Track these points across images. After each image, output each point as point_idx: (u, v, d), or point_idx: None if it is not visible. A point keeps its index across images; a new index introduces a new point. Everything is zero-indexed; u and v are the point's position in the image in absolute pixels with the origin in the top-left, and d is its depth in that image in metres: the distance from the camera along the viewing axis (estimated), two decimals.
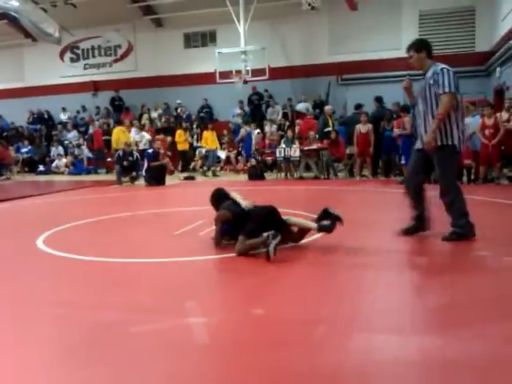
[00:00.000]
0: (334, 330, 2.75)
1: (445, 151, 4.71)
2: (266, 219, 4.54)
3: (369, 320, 2.94)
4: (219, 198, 4.95)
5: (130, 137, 14.87)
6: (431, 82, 4.62)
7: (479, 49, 16.06)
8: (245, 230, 4.43)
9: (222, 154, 15.57)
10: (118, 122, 15.89)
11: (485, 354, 2.40)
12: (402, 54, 17.38)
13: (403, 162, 10.49)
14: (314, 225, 4.63)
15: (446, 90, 4.52)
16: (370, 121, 12.04)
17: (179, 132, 15.81)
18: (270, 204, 4.75)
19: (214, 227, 4.86)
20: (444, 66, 4.69)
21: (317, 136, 12.89)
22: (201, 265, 4.44)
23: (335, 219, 4.62)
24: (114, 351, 2.54)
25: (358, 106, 13.06)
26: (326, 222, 4.58)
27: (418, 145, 4.90)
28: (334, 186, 10.42)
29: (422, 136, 4.75)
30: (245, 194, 5.46)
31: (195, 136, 16.75)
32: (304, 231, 4.77)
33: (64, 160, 17.33)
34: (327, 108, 13.70)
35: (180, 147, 16.01)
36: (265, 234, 4.28)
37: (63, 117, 19.92)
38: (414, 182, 5.06)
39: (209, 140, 14.77)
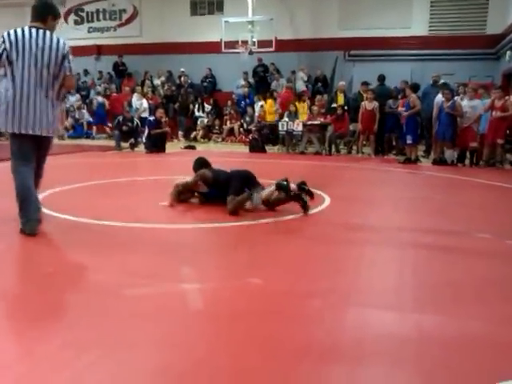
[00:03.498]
0: (331, 304, 2.72)
1: None
2: (246, 180, 4.99)
3: (367, 295, 2.91)
4: (201, 165, 5.44)
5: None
6: None
7: (490, 31, 15.75)
8: (230, 191, 4.82)
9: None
10: None
11: (482, 334, 2.37)
12: (412, 32, 17.11)
13: (409, 141, 10.36)
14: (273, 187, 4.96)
15: None
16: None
17: (270, 102, 14.61)
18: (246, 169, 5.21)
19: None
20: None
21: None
22: (199, 232, 4.41)
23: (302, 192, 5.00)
24: (103, 314, 2.50)
25: (383, 79, 12.85)
26: (284, 183, 4.92)
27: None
28: (335, 163, 10.34)
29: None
30: (246, 165, 5.42)
31: (197, 105, 16.53)
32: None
33: (65, 123, 17.17)
34: (340, 84, 13.51)
35: (269, 118, 14.33)
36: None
37: None
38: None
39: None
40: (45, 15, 4.06)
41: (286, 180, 4.97)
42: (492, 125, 9.80)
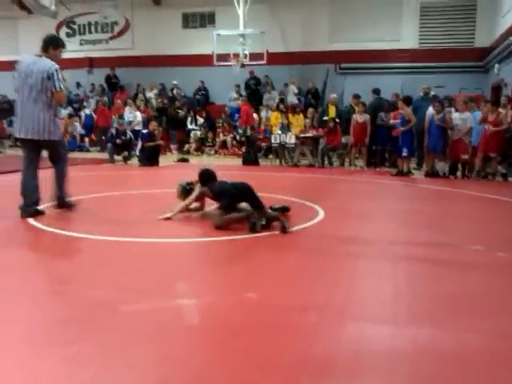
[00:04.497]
0: (327, 318, 2.73)
1: None
2: (236, 195, 4.98)
3: (362, 309, 2.93)
4: (205, 177, 5.45)
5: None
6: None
7: (478, 44, 16.02)
8: (220, 204, 5.03)
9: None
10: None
11: (478, 348, 2.40)
12: (402, 45, 17.30)
13: (405, 154, 10.39)
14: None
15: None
16: (367, 111, 12.01)
17: (275, 114, 14.23)
18: (245, 182, 5.18)
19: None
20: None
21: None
22: (193, 247, 4.42)
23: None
24: (100, 330, 2.50)
25: (378, 91, 12.95)
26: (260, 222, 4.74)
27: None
28: (328, 175, 10.40)
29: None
30: (239, 178, 5.45)
31: (190, 118, 16.56)
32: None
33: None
34: (332, 96, 13.62)
35: (275, 130, 13.53)
36: (243, 210, 4.88)
37: None
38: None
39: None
40: (47, 46, 5.26)
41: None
42: (485, 138, 9.85)
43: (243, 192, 5.00)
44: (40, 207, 5.36)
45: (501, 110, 10.01)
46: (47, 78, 5.02)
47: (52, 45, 5.27)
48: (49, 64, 5.07)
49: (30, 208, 5.17)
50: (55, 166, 5.51)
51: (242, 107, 15.39)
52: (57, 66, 5.11)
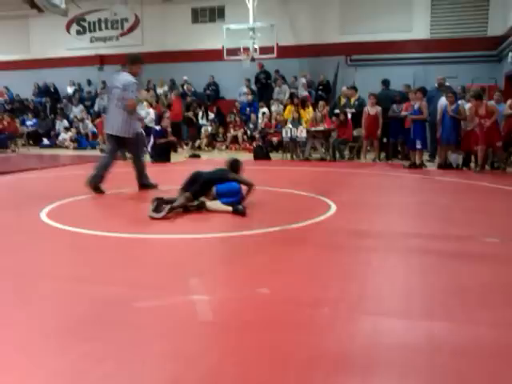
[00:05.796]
0: (340, 313, 2.72)
1: None
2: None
3: (375, 303, 2.90)
4: (229, 166, 6.14)
5: None
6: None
7: (491, 33, 15.77)
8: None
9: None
10: None
11: (492, 341, 2.37)
12: (413, 36, 17.05)
13: (419, 146, 10.31)
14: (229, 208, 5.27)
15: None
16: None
17: (289, 108, 14.06)
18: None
19: None
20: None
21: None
22: (205, 242, 4.42)
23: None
24: (115, 327, 2.51)
25: (387, 83, 12.88)
26: (240, 206, 5.23)
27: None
28: (340, 169, 10.35)
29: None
30: (250, 173, 5.44)
31: (201, 114, 16.58)
32: None
33: (69, 133, 17.22)
34: (343, 89, 13.56)
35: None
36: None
37: (70, 90, 19.71)
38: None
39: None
40: (127, 63, 6.85)
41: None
42: (483, 132, 9.69)
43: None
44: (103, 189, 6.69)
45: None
46: (124, 89, 6.52)
47: (129, 62, 6.81)
48: (127, 78, 6.61)
49: (94, 180, 6.61)
50: (133, 157, 7.11)
51: (173, 102, 15.80)
52: (133, 80, 6.60)
